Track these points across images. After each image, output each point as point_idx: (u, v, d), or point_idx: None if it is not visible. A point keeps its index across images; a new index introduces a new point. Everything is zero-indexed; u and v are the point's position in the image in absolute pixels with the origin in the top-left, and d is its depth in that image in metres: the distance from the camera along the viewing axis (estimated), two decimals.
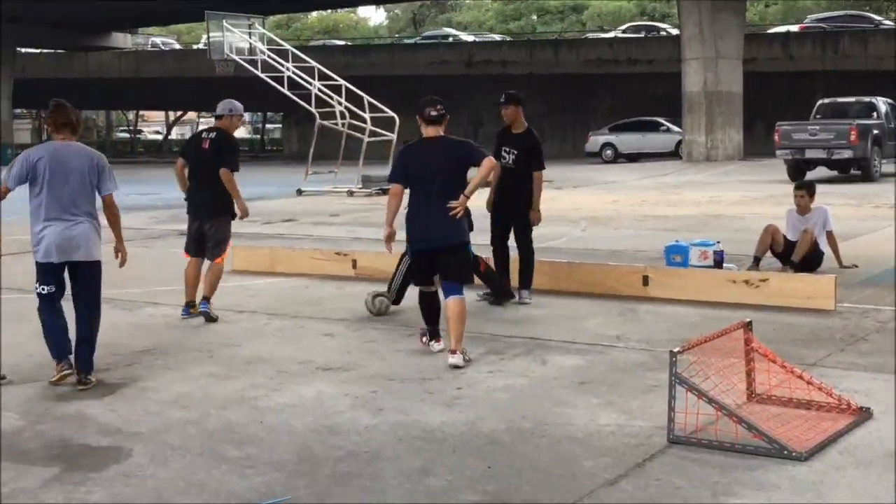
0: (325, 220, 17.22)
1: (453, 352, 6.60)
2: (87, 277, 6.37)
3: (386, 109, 25.08)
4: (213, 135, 8.37)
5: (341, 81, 25.56)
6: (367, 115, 24.64)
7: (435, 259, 6.75)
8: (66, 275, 6.44)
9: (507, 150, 8.79)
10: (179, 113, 72.65)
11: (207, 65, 31.10)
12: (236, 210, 8.35)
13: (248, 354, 7.15)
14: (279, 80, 25.83)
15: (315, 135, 25.09)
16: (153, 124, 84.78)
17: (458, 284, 6.72)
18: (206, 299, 8.35)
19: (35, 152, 6.37)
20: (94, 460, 5.00)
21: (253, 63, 26.79)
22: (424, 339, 7.17)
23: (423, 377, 6.42)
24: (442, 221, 6.62)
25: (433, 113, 6.76)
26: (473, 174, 6.67)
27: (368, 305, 8.52)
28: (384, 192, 23.47)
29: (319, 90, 25.18)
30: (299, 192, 24.01)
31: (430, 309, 6.99)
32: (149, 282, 10.49)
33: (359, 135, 24.62)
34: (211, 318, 8.26)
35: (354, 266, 10.61)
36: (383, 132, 25.10)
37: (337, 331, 7.95)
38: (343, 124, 24.86)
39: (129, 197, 21.96)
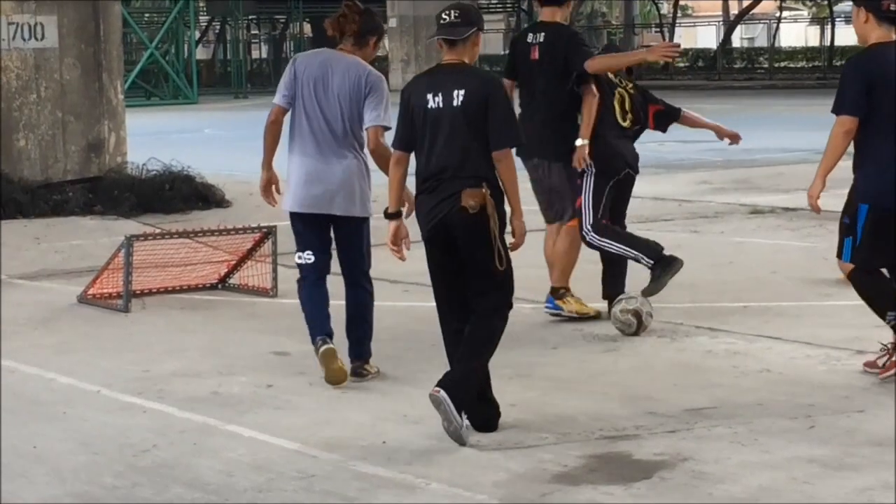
0: None
1: None
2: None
3: None
4: (541, 37, 9.90)
5: None
6: None
7: None
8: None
9: None
10: (749, 2, 74.09)
11: None
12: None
13: (878, 428, 7.20)
14: None
15: None
16: (702, 22, 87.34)
17: None
18: (555, 291, 10.02)
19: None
20: None
21: None
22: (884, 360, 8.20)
23: None
24: None
25: (893, 6, 8.02)
26: None
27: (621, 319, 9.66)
28: None
29: None
30: None
31: (888, 287, 8.21)
32: (701, 292, 10.88)
33: None
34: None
35: None
36: None
37: None
38: None
39: (665, 146, 22.82)
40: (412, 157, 7.45)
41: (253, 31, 62.23)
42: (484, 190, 7.09)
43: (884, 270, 8.17)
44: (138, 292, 10.88)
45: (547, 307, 10.02)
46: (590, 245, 9.78)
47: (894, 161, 7.94)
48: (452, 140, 7.16)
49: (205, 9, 60.50)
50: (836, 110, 8.01)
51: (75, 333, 9.89)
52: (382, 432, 7.26)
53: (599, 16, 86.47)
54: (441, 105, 7.17)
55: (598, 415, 7.53)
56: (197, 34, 59.21)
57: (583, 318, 9.90)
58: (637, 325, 9.48)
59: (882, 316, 8.14)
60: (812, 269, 11.44)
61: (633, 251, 9.66)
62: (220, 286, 11.44)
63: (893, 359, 8.13)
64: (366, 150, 8.37)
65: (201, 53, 63.57)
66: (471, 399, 7.14)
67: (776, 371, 8.42)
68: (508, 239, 7.25)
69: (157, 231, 12.44)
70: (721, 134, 10.32)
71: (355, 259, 8.48)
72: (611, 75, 10.00)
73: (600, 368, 8.66)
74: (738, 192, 17.59)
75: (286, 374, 8.58)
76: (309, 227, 8.45)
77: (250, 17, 57.94)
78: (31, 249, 13.72)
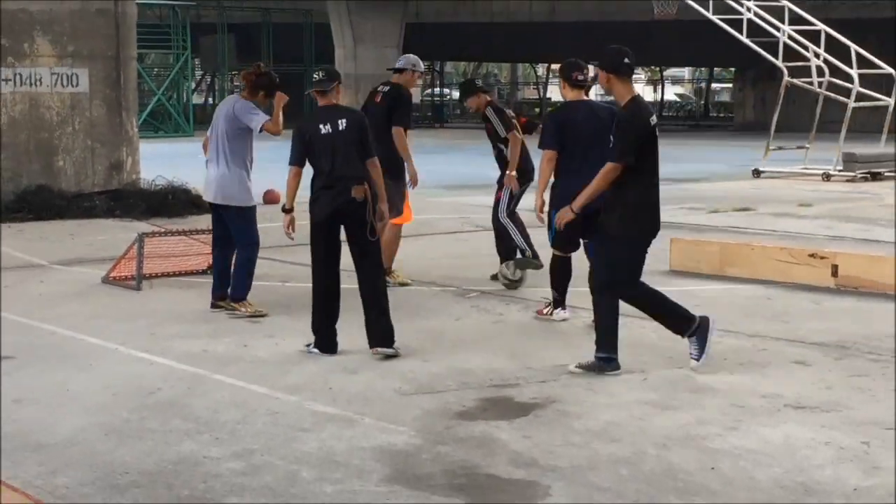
0: (791, 211, 16.95)
1: None
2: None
3: (882, 64, 24.04)
4: (387, 88, 10.54)
5: (820, 26, 24.83)
6: (854, 72, 23.79)
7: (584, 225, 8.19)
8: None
9: None
10: None
11: (642, 6, 31.50)
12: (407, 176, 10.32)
13: (693, 380, 7.26)
14: (735, 25, 25.61)
15: (780, 98, 24.64)
16: None
17: None
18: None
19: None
20: (503, 496, 5.29)
21: (703, 2, 26.76)
22: (547, 310, 9.07)
23: None
24: None
25: (580, 77, 8.81)
26: None
27: (508, 275, 10.44)
28: (872, 176, 22.59)
29: (790, 37, 24.66)
30: (756, 174, 23.78)
31: (566, 275, 8.97)
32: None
33: (842, 98, 23.82)
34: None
35: (835, 273, 10.34)
36: (877, 95, 24.06)
37: (812, 358, 7.84)
38: (820, 84, 24.18)
39: None
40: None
41: (236, 83, 61.67)
42: (365, 186, 7.94)
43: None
44: (148, 275, 10.76)
45: None
46: (497, 221, 10.50)
47: (575, 180, 8.27)
48: (344, 153, 7.92)
49: (199, 65, 60.08)
50: (541, 146, 8.78)
51: (100, 305, 9.77)
52: (329, 380, 7.24)
53: (493, 76, 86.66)
54: (330, 130, 7.95)
55: (490, 368, 7.53)
56: (193, 84, 58.74)
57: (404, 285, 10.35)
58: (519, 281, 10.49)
59: (552, 285, 9.03)
60: (648, 263, 11.49)
61: (520, 239, 10.37)
62: (208, 272, 11.29)
63: (547, 311, 9.07)
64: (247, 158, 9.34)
65: (196, 99, 63.01)
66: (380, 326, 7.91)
67: (620, 337, 8.30)
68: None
69: (162, 230, 12.35)
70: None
71: (236, 234, 9.32)
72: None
73: (491, 334, 8.66)
74: None
75: (258, 336, 8.52)
76: (213, 209, 9.52)
77: (233, 71, 57.44)
78: (68, 243, 13.56)
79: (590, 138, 8.59)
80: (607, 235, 7.46)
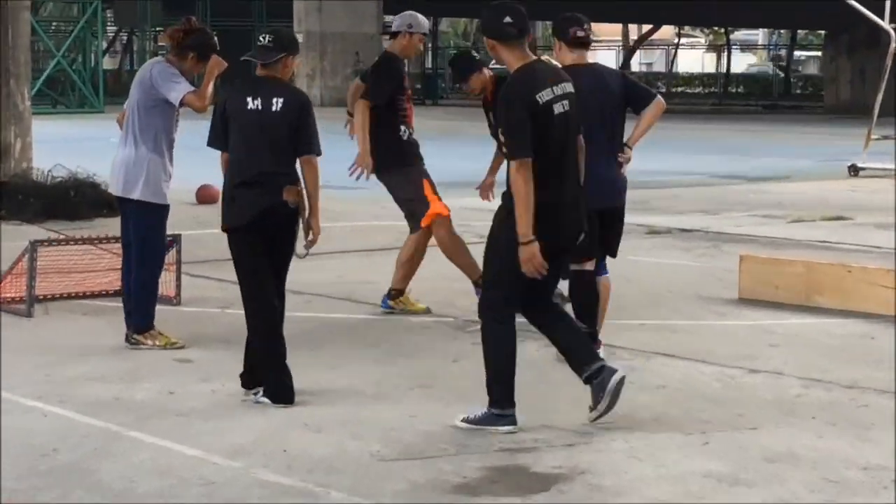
0: None
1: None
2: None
3: None
4: (375, 61, 10.82)
5: None
6: None
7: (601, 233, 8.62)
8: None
9: None
10: (648, 28, 74.77)
11: None
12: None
13: (771, 444, 7.23)
14: None
15: (886, 71, 24.70)
16: (602, 47, 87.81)
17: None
18: (393, 291, 10.62)
19: None
20: None
21: None
22: None
23: None
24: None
25: (579, 34, 8.79)
26: None
27: None
28: None
29: None
30: (853, 171, 23.84)
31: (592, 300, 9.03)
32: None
33: None
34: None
35: None
36: None
37: None
38: None
39: None
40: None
41: (160, 43, 61.81)
42: (299, 188, 8.01)
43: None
44: (42, 297, 10.74)
45: (382, 307, 10.65)
46: None
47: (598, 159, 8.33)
48: (273, 141, 7.96)
49: (113, 19, 60.09)
50: None
51: None
52: (284, 440, 7.22)
53: None
54: (260, 108, 7.97)
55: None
56: (104, 44, 58.80)
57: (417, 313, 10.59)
58: None
59: (575, 314, 8.86)
60: (706, 287, 11.52)
61: None
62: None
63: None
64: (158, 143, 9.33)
65: (108, 63, 63.18)
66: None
67: (673, 387, 8.45)
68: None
69: (62, 237, 12.33)
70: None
71: (135, 240, 9.41)
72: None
73: None
74: (635, 213, 17.51)
75: (189, 380, 8.51)
76: (120, 205, 9.75)
77: (157, 28, 57.51)
78: None
79: (595, 113, 8.53)
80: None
